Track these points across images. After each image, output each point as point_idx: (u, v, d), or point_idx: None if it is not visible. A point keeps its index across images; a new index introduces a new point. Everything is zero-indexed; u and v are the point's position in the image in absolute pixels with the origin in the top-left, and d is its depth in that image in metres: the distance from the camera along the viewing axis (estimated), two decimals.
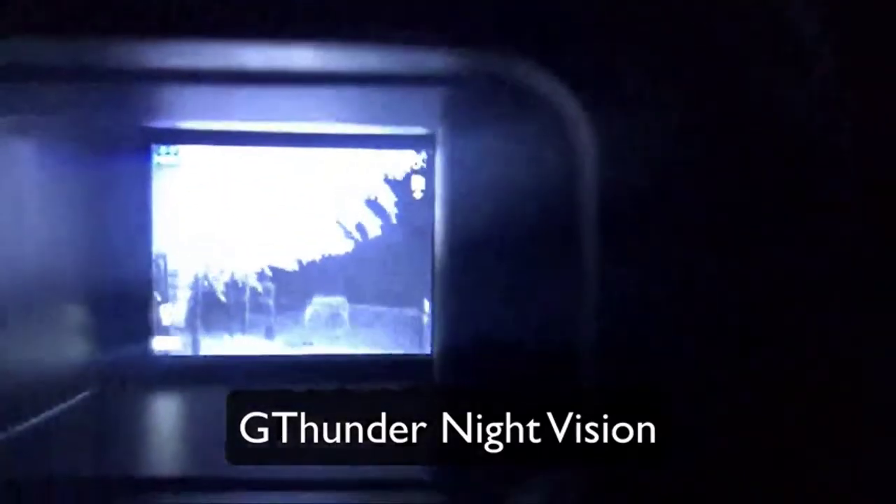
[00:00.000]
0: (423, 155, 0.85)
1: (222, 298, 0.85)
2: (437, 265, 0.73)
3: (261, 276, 0.85)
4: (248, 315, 0.85)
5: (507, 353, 0.56)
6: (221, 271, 0.85)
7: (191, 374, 0.83)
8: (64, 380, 0.75)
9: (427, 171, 0.85)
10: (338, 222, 0.85)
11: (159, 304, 0.83)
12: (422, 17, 0.43)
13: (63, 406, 0.72)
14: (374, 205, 0.85)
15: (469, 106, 0.60)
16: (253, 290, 0.85)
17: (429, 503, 0.54)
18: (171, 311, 0.83)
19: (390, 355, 0.85)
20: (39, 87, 0.53)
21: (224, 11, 0.42)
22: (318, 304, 0.86)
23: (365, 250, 0.86)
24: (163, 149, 0.83)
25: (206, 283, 0.84)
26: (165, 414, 0.78)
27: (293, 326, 0.85)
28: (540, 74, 0.46)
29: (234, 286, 0.85)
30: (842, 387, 0.41)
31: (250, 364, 0.84)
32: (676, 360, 0.44)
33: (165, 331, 0.83)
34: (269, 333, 0.85)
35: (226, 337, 0.85)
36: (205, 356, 0.84)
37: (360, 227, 0.86)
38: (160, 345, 0.83)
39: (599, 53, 0.44)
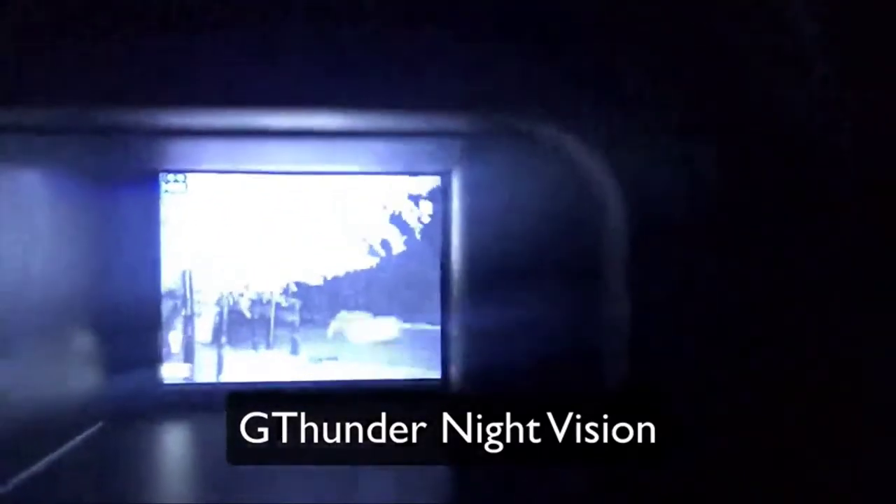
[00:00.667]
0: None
1: (247, 314, 0.86)
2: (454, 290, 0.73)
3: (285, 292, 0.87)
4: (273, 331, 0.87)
5: (520, 371, 0.56)
6: (246, 288, 0.86)
7: (200, 401, 0.83)
8: (74, 410, 0.75)
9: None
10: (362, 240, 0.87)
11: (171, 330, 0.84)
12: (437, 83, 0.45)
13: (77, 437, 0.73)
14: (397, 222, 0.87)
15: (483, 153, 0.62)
16: (278, 305, 0.86)
17: None
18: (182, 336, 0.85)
19: (403, 381, 0.86)
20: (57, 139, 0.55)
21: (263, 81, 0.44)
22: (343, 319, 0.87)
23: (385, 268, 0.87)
24: (171, 176, 0.85)
25: (231, 301, 0.86)
26: (174, 442, 0.78)
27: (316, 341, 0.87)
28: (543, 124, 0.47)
29: (258, 303, 0.86)
30: (842, 387, 0.40)
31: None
32: (679, 363, 0.44)
33: (177, 356, 0.84)
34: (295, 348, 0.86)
35: (251, 352, 0.86)
36: (213, 383, 0.84)
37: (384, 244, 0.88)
38: (170, 372, 0.84)
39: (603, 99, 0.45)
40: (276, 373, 0.86)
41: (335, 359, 0.86)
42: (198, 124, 0.53)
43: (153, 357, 0.84)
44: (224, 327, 0.86)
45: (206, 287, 0.86)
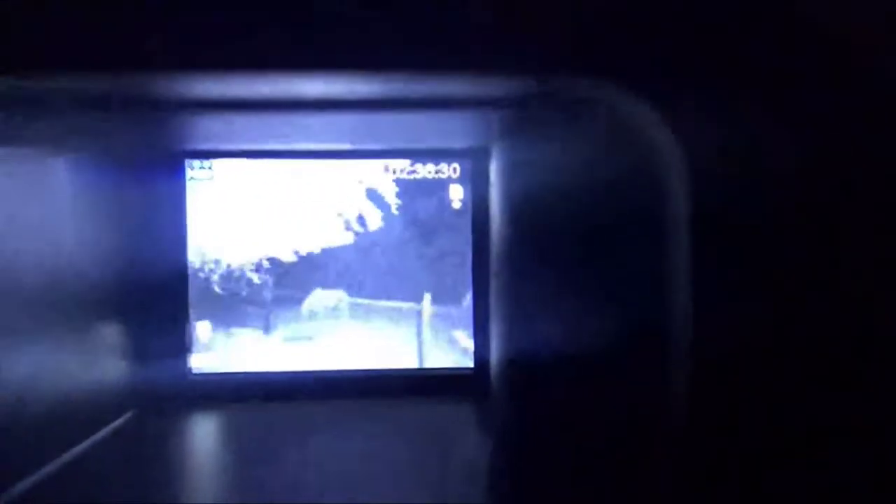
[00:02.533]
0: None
1: (218, 291, 0.83)
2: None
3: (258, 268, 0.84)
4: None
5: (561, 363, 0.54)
6: (216, 264, 0.83)
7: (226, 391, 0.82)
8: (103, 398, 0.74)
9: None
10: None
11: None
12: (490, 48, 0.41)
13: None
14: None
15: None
16: (250, 281, 0.84)
17: None
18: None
19: (432, 369, 0.84)
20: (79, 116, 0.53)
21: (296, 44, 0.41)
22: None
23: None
24: (196, 163, 0.82)
25: (202, 277, 0.83)
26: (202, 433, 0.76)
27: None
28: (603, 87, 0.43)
29: (229, 278, 0.83)
30: None
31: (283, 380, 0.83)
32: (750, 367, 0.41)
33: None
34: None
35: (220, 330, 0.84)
36: (237, 373, 0.83)
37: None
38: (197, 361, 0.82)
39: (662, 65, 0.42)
40: (248, 351, 0.84)
41: (310, 338, 0.84)
42: (207, 94, 0.49)
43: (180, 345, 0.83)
44: (194, 303, 0.83)
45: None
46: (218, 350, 0.83)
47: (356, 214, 0.84)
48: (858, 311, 0.40)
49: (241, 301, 0.83)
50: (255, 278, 0.83)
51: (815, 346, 0.40)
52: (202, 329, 0.83)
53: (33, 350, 0.60)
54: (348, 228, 0.84)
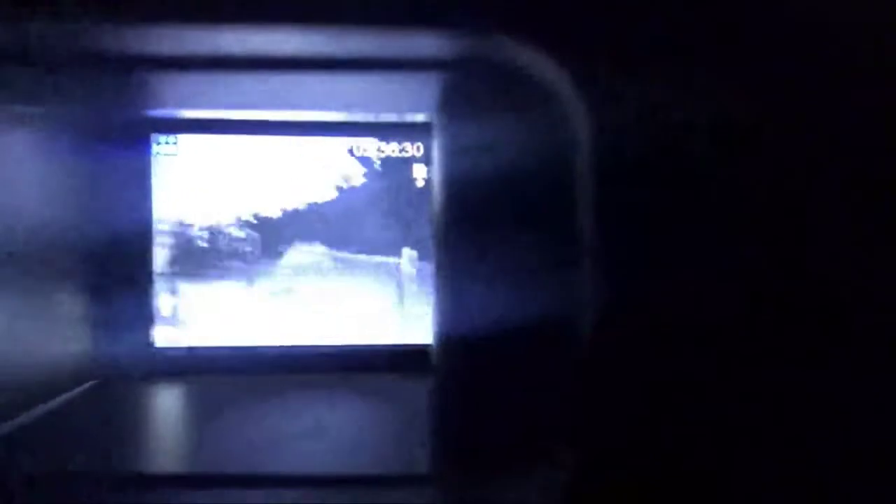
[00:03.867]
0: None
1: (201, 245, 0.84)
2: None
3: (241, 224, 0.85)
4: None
5: (507, 336, 0.54)
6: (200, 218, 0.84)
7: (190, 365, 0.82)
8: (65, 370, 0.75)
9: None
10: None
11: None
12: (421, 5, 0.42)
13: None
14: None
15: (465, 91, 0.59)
16: (232, 236, 0.85)
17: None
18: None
19: (392, 346, 0.85)
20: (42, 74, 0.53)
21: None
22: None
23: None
24: (162, 138, 0.82)
25: (184, 231, 0.84)
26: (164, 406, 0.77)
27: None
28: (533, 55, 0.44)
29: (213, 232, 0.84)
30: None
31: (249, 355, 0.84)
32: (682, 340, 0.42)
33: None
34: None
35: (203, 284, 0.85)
36: (205, 347, 0.83)
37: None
38: (161, 335, 0.83)
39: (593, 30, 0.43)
40: (231, 305, 0.84)
41: (290, 291, 0.85)
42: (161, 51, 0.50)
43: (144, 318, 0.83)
44: (178, 257, 0.84)
45: (163, 216, 0.84)
46: (187, 322, 0.83)
47: (323, 191, 0.85)
48: (770, 275, 0.40)
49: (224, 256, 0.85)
50: (239, 233, 0.85)
51: (730, 311, 0.41)
52: (168, 301, 0.83)
53: None
54: (311, 206, 0.85)
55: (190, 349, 0.83)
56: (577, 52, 0.42)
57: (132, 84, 0.63)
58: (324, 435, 0.63)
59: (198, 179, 0.83)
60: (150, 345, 0.83)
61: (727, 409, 0.41)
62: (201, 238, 0.84)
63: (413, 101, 0.71)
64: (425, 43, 0.48)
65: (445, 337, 0.63)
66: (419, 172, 0.85)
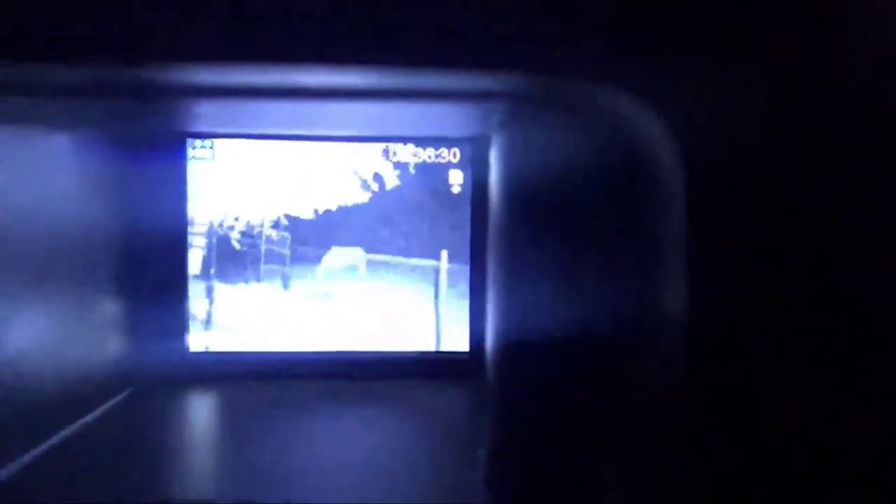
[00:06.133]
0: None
1: (237, 247, 0.84)
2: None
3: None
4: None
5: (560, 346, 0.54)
6: (236, 220, 0.83)
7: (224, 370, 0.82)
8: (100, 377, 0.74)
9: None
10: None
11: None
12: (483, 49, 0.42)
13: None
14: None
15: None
16: (268, 238, 0.84)
17: None
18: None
19: (431, 353, 0.84)
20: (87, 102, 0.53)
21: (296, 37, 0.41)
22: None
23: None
24: (198, 142, 0.82)
25: (221, 233, 0.83)
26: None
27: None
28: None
29: (248, 235, 0.84)
30: None
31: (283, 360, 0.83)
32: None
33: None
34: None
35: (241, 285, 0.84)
36: (239, 353, 0.83)
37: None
38: (196, 340, 0.82)
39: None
40: (267, 308, 0.84)
41: (327, 295, 0.84)
42: (222, 82, 0.50)
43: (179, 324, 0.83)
44: (213, 260, 0.83)
45: (198, 218, 0.83)
46: (223, 327, 0.83)
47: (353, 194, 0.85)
48: (854, 290, 0.40)
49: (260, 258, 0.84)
50: (274, 235, 0.84)
51: (813, 327, 0.40)
52: (203, 306, 0.83)
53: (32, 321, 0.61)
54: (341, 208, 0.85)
55: (224, 354, 0.83)
56: (656, 90, 0.42)
57: (172, 110, 0.63)
58: (360, 463, 0.61)
59: (234, 183, 0.83)
60: (185, 350, 0.82)
61: (818, 412, 0.40)
62: (238, 241, 0.83)
63: (467, 125, 0.71)
64: (484, 80, 0.47)
65: (503, 346, 0.62)
66: (455, 178, 0.85)
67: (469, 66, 0.43)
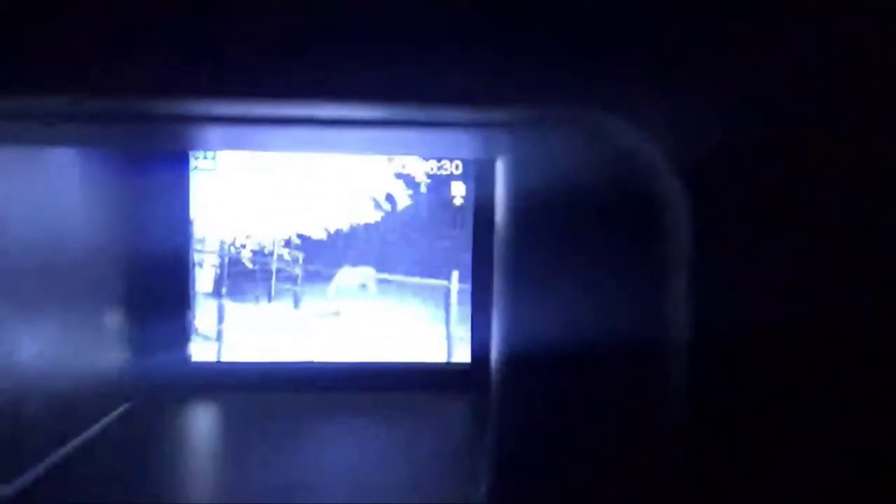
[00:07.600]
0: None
1: (249, 266, 0.84)
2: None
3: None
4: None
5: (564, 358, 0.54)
6: (247, 239, 0.83)
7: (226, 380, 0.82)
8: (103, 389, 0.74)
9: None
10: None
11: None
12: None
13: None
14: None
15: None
16: (280, 257, 0.84)
17: None
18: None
19: (433, 364, 0.84)
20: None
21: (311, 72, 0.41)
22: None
23: None
24: (200, 153, 0.82)
25: (232, 252, 0.83)
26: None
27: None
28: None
29: (260, 254, 0.84)
30: None
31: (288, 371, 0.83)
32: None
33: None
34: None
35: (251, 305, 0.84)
36: (241, 363, 0.83)
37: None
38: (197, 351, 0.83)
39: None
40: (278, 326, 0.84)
41: (337, 314, 0.84)
42: (240, 112, 0.50)
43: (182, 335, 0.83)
44: (225, 278, 0.84)
45: (208, 237, 0.83)
46: (233, 344, 0.83)
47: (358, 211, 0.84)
48: (862, 314, 0.39)
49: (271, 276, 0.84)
50: (286, 254, 0.84)
51: (820, 340, 0.40)
52: (204, 318, 0.83)
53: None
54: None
55: (227, 364, 0.83)
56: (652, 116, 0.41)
57: (180, 135, 0.63)
58: (363, 473, 0.62)
59: (237, 196, 0.83)
60: (188, 362, 0.82)
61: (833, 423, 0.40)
62: (250, 260, 0.84)
63: (474, 149, 0.70)
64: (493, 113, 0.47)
65: (508, 357, 0.62)
66: (457, 190, 0.85)
67: (474, 102, 0.43)
